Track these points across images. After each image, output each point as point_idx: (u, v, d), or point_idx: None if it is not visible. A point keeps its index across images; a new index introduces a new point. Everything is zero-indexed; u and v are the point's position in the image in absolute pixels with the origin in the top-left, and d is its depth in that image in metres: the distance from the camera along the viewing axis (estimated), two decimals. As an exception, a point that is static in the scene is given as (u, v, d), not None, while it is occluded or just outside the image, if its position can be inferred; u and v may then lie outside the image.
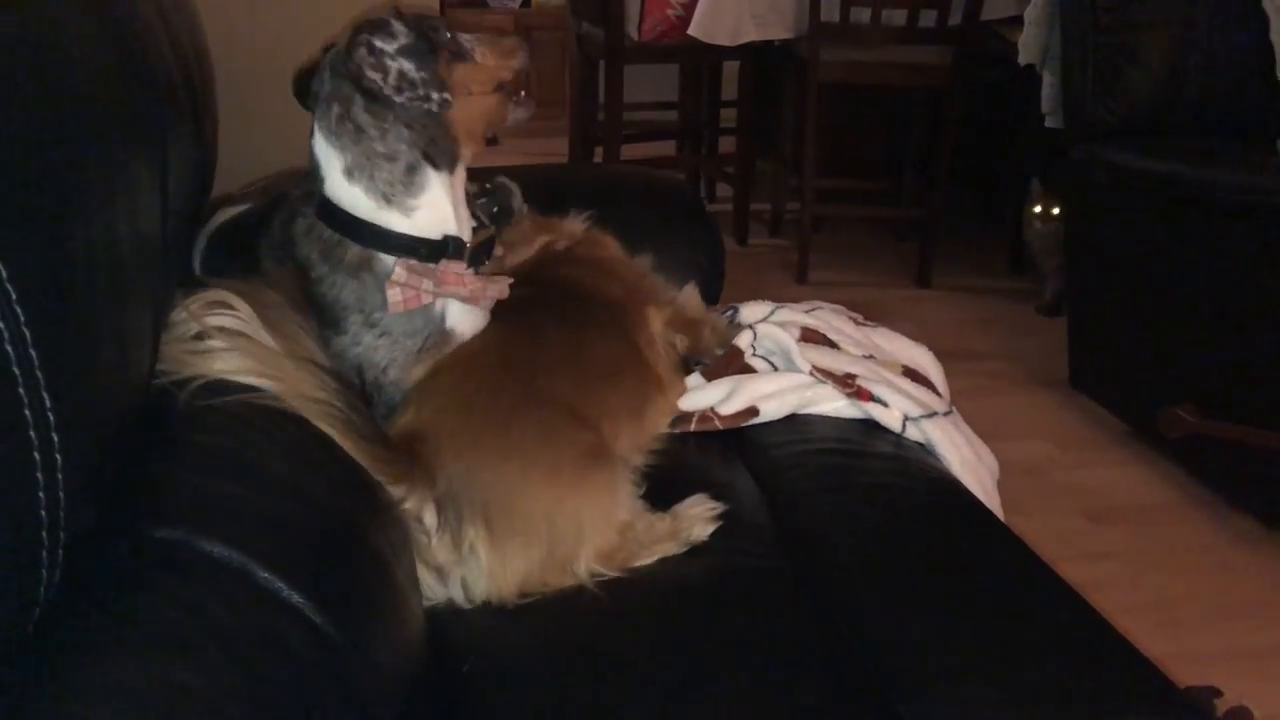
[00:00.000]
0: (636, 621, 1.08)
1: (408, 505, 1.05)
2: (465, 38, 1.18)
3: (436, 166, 1.13)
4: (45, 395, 0.60)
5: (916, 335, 1.62)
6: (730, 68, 3.95)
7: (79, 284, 0.66)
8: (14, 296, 0.58)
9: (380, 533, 0.95)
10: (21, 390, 0.58)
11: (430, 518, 1.06)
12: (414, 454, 1.07)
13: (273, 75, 2.17)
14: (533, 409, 1.17)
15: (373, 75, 1.07)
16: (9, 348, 0.57)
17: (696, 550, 1.17)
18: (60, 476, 0.61)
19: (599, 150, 3.89)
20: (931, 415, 1.45)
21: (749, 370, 1.49)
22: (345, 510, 0.92)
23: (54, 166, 0.66)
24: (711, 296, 1.76)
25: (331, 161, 1.11)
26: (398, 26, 1.09)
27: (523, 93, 1.23)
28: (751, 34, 3.40)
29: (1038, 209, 3.20)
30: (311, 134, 1.13)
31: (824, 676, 1.00)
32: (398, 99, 1.08)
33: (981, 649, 1.00)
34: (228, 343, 0.93)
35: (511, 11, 5.45)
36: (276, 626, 0.73)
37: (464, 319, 1.19)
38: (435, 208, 1.13)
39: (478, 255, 1.20)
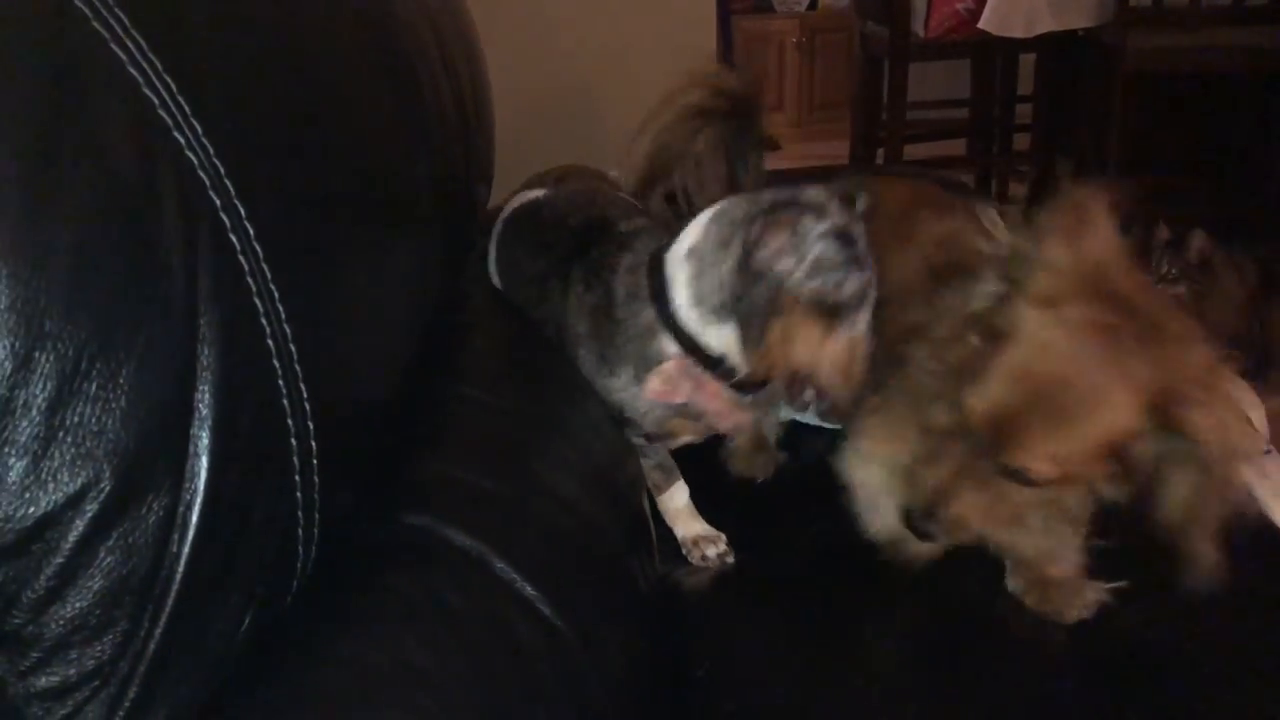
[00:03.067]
0: (885, 638, 1.04)
1: None
2: (863, 317, 1.01)
3: (736, 325, 1.06)
4: (303, 387, 0.65)
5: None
6: (1026, 60, 3.72)
7: (338, 287, 0.71)
8: (277, 295, 0.63)
9: (622, 535, 0.96)
10: (280, 382, 0.63)
11: None
12: None
13: (553, 96, 2.27)
14: None
15: (784, 264, 0.98)
16: (269, 342, 0.62)
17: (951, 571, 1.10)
18: (315, 462, 0.67)
19: (882, 153, 3.78)
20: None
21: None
22: (586, 508, 0.94)
23: (321, 182, 0.71)
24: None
25: (685, 239, 1.08)
26: (834, 208, 0.98)
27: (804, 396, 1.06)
28: (1049, 24, 3.17)
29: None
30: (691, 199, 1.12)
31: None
32: (808, 284, 0.97)
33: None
34: None
35: (797, 15, 5.41)
36: (508, 616, 0.75)
37: None
38: (721, 341, 1.08)
39: (745, 385, 1.12)
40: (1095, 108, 3.45)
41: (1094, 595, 1.03)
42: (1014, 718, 0.94)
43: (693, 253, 1.07)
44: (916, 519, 0.94)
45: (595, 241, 1.20)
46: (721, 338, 1.08)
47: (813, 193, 1.01)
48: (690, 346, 1.09)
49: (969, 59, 3.94)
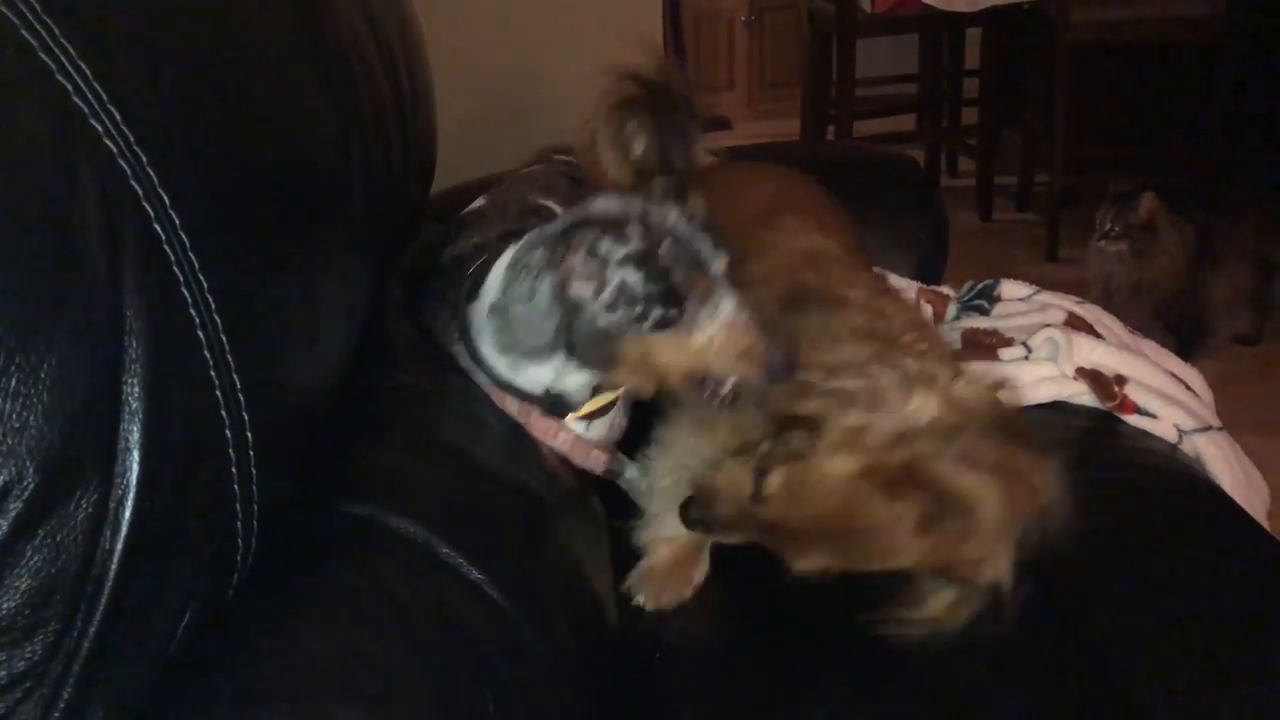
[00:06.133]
0: (841, 619, 1.04)
1: None
2: (725, 301, 0.91)
3: (571, 356, 0.98)
4: (236, 377, 0.64)
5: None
6: (973, 35, 3.76)
7: (268, 274, 0.70)
8: (206, 285, 0.62)
9: (567, 514, 0.96)
10: (213, 373, 0.62)
11: None
12: None
13: (499, 82, 2.25)
14: None
15: (579, 289, 0.91)
16: (200, 333, 0.61)
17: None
18: (252, 453, 0.66)
19: (833, 129, 3.79)
20: (1205, 429, 1.30)
21: (995, 359, 1.39)
22: (531, 490, 0.94)
23: (248, 167, 0.70)
24: (934, 275, 1.68)
25: (491, 289, 1.01)
26: (634, 230, 0.89)
27: (723, 390, 0.94)
28: (993, -3, 3.21)
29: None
30: (501, 248, 1.02)
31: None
32: (603, 319, 0.90)
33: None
34: None
35: (746, -6, 5.41)
36: (454, 601, 0.75)
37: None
38: (543, 377, 1.01)
39: (591, 416, 1.07)
40: (1040, 81, 3.49)
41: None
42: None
43: (494, 310, 1.00)
44: (692, 507, 0.95)
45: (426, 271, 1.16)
46: (543, 375, 1.00)
47: (611, 207, 0.92)
48: (504, 386, 1.03)
49: (916, 34, 3.97)
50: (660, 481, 1.07)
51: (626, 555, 1.10)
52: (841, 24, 3.42)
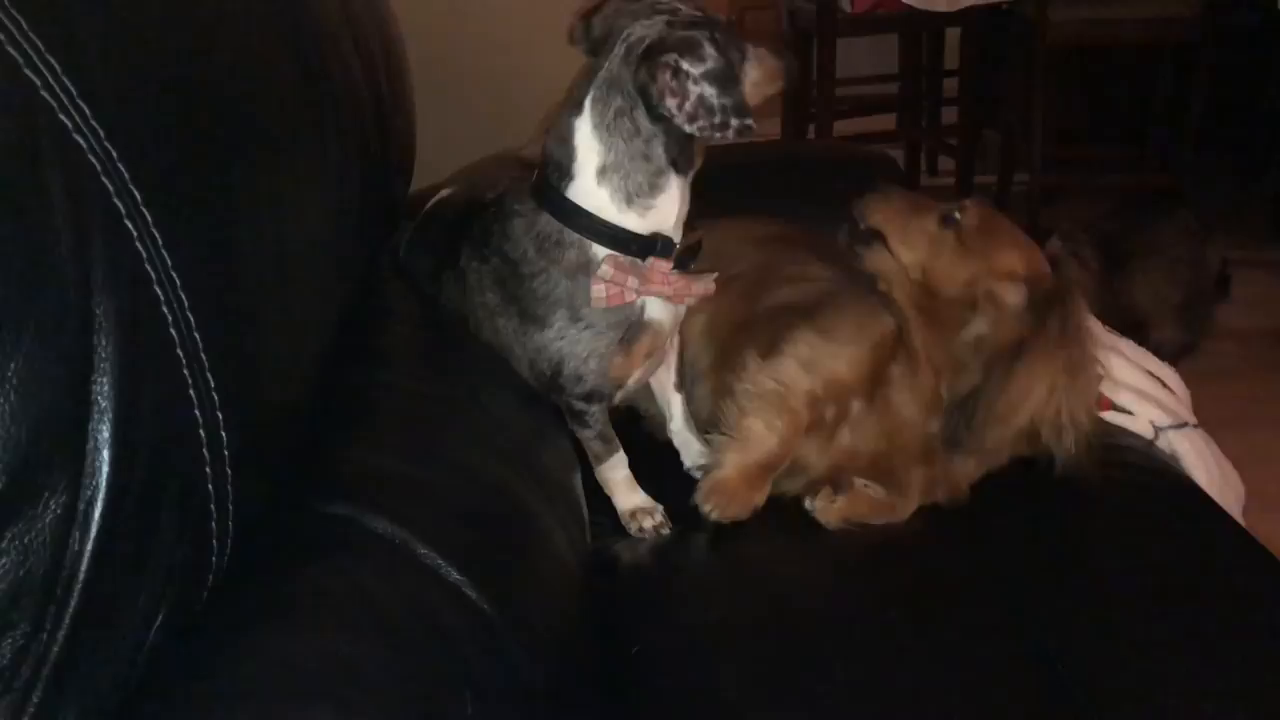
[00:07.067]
0: (814, 613, 1.04)
1: None
2: (750, 51, 1.10)
3: (679, 171, 1.10)
4: (210, 376, 0.63)
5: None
6: (952, 35, 3.77)
7: (243, 273, 0.69)
8: (179, 283, 0.61)
9: (550, 514, 0.96)
10: (186, 372, 0.61)
11: None
12: None
13: (473, 68, 2.24)
14: None
15: (670, 102, 1.03)
16: (172, 331, 0.60)
17: (889, 544, 1.12)
18: (227, 454, 0.65)
19: (813, 128, 3.80)
20: (1181, 426, 1.32)
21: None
22: (512, 488, 0.93)
23: (222, 164, 0.69)
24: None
25: (590, 156, 1.09)
26: (708, 50, 1.03)
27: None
28: (972, -3, 3.22)
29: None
30: (569, 124, 1.10)
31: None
32: (689, 127, 1.03)
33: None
34: None
35: (726, -9, 5.40)
36: (432, 602, 0.74)
37: (662, 311, 1.17)
38: (666, 208, 1.11)
39: (684, 259, 1.16)
40: (1019, 80, 3.51)
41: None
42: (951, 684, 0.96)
43: (603, 171, 1.09)
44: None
45: (472, 219, 1.21)
46: (672, 205, 1.12)
47: (690, 36, 1.04)
48: (621, 240, 1.11)
49: (896, 34, 3.98)
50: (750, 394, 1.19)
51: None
52: (822, 24, 3.42)
